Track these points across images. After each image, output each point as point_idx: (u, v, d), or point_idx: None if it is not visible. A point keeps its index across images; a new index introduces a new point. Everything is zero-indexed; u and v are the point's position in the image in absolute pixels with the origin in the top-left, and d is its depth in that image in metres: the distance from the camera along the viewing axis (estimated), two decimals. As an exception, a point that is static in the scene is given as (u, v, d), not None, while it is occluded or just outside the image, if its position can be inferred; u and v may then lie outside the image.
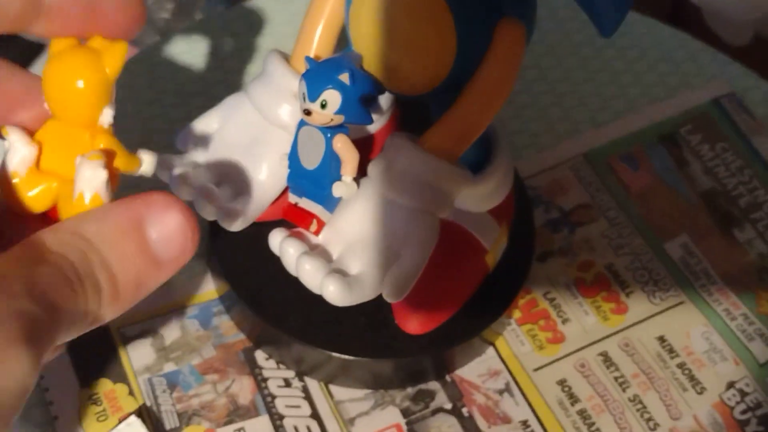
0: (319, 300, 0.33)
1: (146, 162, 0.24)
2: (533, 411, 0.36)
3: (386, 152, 0.32)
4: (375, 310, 0.36)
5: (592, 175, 0.42)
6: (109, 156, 0.23)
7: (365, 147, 0.36)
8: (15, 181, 0.24)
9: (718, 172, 0.42)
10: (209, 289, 0.38)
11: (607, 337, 0.37)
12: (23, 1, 0.23)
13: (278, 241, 0.31)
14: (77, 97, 0.23)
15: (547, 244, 0.40)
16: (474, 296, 0.36)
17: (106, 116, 0.23)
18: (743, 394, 0.36)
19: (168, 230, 0.22)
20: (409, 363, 0.36)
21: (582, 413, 0.36)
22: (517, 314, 0.38)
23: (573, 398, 0.36)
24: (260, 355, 0.36)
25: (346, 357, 0.35)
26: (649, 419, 0.35)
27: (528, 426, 0.35)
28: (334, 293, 0.30)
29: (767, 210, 0.41)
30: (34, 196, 0.24)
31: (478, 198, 0.35)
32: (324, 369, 0.36)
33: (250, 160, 0.35)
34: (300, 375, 0.36)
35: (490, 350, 0.37)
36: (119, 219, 0.21)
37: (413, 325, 0.35)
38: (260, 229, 0.35)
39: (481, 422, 0.35)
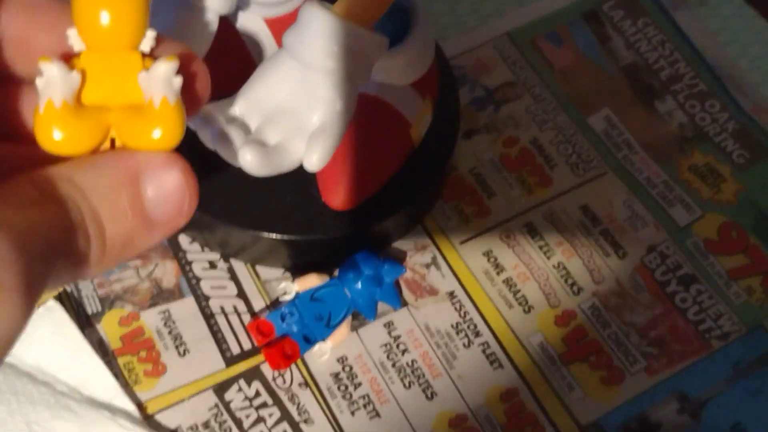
0: (243, 181, 0.32)
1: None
2: (459, 282, 0.36)
3: (300, 20, 0.31)
4: (300, 189, 0.35)
5: (516, 53, 0.42)
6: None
7: (289, 23, 0.35)
8: (55, 117, 0.20)
9: (640, 46, 0.42)
10: (129, 176, 0.37)
11: (532, 208, 0.38)
12: None
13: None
14: (116, 14, 0.20)
15: (473, 122, 0.40)
16: (400, 173, 0.36)
17: (149, 39, 0.20)
18: (664, 256, 0.37)
19: (165, 189, 0.20)
20: (335, 240, 0.35)
21: (507, 281, 0.36)
22: (444, 191, 0.38)
23: (498, 268, 0.36)
24: (184, 240, 0.36)
25: (273, 236, 0.35)
26: (572, 284, 0.36)
27: (455, 296, 0.36)
28: (251, 162, 0.29)
29: (687, 82, 0.41)
30: (82, 132, 0.20)
31: (398, 69, 0.34)
32: (250, 250, 0.36)
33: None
34: (225, 257, 0.36)
35: (418, 227, 0.37)
36: (116, 171, 0.20)
37: (339, 200, 0.35)
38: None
39: (408, 296, 0.35)
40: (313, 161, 0.30)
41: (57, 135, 0.20)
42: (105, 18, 0.20)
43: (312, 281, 0.34)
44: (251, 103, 0.31)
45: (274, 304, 0.35)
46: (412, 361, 0.34)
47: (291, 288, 0.34)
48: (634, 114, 0.40)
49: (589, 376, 0.34)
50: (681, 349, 0.35)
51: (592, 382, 0.34)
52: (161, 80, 0.19)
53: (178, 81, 0.19)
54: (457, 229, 0.37)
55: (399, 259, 0.36)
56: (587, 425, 0.33)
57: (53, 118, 0.20)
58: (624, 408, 0.33)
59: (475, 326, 0.35)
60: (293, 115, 0.30)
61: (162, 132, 0.19)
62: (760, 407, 0.34)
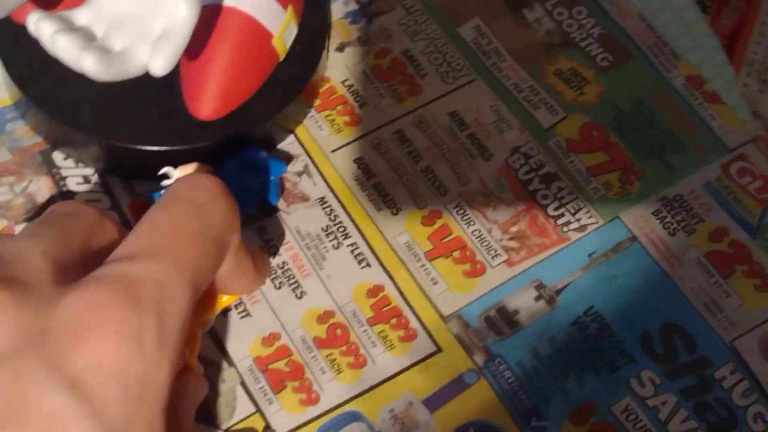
0: (111, 95, 0.33)
1: None
2: (330, 188, 0.37)
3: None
4: (166, 101, 0.36)
5: (390, -32, 0.42)
6: None
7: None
8: None
9: (511, -43, 0.43)
10: (2, 97, 0.38)
11: (402, 116, 0.39)
12: None
13: (34, 21, 0.31)
14: None
15: (346, 35, 0.41)
16: (267, 83, 0.37)
17: None
18: (527, 157, 0.38)
19: None
20: (203, 150, 0.36)
21: (377, 186, 0.37)
22: (316, 102, 0.39)
23: (369, 173, 0.38)
24: (58, 156, 0.37)
25: (143, 148, 0.36)
26: (439, 186, 0.37)
27: (325, 202, 0.37)
28: (92, 66, 0.30)
29: (556, -10, 0.42)
30: None
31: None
32: (123, 164, 0.36)
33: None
34: (100, 172, 0.37)
35: (290, 137, 0.38)
36: None
37: (203, 110, 0.35)
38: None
39: (280, 203, 0.37)
40: (157, 65, 0.31)
41: None
42: None
43: (193, 169, 0.34)
44: (96, 12, 0.32)
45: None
46: (283, 263, 0.35)
47: (173, 173, 0.35)
48: (504, 23, 0.41)
49: (452, 270, 0.36)
50: (540, 242, 0.36)
51: (454, 276, 0.35)
52: None
53: None
54: (329, 138, 0.38)
55: (271, 168, 0.37)
56: (449, 315, 0.35)
57: None
58: (484, 298, 0.35)
59: (345, 229, 0.36)
60: (138, 23, 0.31)
61: None
62: (613, 292, 0.35)
